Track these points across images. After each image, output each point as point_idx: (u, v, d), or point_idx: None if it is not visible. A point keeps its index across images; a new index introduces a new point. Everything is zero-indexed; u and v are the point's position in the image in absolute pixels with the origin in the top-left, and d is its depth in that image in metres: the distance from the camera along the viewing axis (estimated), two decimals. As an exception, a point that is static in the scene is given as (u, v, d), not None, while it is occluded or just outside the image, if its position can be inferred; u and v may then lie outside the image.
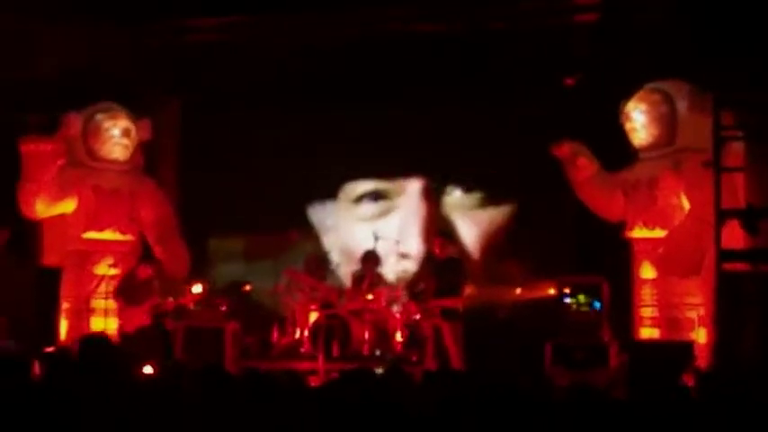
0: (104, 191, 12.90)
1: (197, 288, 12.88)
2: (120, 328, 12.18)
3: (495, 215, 14.41)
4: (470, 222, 14.47)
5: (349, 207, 14.84)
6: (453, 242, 12.10)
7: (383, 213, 14.69)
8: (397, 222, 14.51)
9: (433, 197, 14.60)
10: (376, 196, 14.78)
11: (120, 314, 12.26)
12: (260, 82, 13.72)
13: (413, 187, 14.64)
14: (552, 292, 12.33)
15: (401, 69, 13.40)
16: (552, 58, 12.98)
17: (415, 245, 14.27)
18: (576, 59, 12.97)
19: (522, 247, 13.92)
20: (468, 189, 14.49)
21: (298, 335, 12.82)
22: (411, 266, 13.84)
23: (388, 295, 12.96)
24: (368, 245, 13.39)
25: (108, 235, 12.87)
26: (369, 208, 14.78)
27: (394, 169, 14.53)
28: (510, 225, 14.25)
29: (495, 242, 14.33)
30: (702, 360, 10.58)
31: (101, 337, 6.55)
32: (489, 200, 14.42)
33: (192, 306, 12.62)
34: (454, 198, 14.62)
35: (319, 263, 13.97)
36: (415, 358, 12.21)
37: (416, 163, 14.31)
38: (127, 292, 12.28)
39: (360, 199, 14.82)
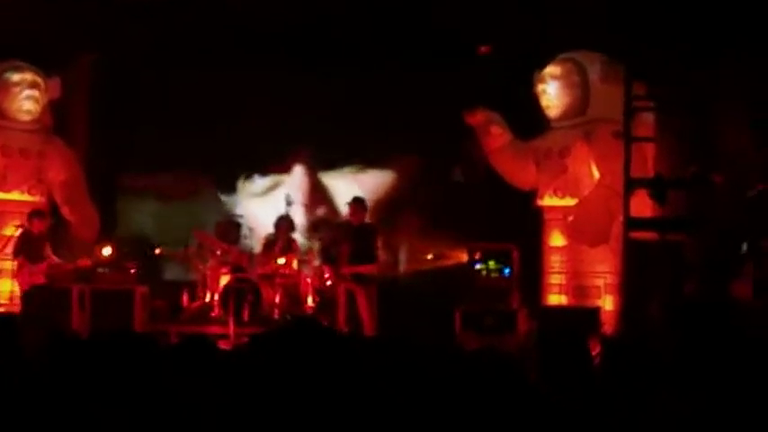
0: (12, 150, 12.65)
1: (106, 250, 12.72)
2: (20, 287, 11.99)
3: (403, 182, 14.45)
4: (378, 190, 14.44)
5: (244, 182, 14.81)
6: (366, 208, 12.09)
7: (272, 187, 14.68)
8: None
9: (316, 168, 14.66)
10: (264, 171, 14.76)
11: (18, 273, 12.04)
12: (171, 41, 13.52)
13: (305, 158, 14.65)
14: (463, 258, 12.43)
15: (310, 33, 13.30)
16: (467, 26, 12.99)
17: (300, 215, 14.25)
18: (490, 28, 13.00)
19: (435, 214, 14.00)
20: (375, 157, 14.47)
21: (208, 299, 12.76)
22: (300, 238, 13.85)
23: (299, 259, 12.96)
24: (265, 219, 13.38)
25: (15, 195, 12.63)
26: (260, 183, 14.77)
27: (283, 139, 14.42)
28: (423, 192, 14.33)
29: (407, 209, 14.39)
30: (608, 326, 10.76)
31: None
32: (402, 168, 14.44)
33: (99, 268, 12.44)
34: (359, 166, 14.60)
35: (230, 227, 13.88)
36: (326, 323, 12.20)
37: (323, 131, 14.19)
38: (26, 249, 12.05)
39: (251, 175, 14.77)
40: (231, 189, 14.86)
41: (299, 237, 13.63)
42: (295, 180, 14.72)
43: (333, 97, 13.77)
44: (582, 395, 5.03)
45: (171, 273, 14.16)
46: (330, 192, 14.67)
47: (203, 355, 5.11)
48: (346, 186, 14.26)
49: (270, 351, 4.87)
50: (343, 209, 13.31)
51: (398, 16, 12.93)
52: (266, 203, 14.34)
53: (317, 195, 14.63)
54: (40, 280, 11.96)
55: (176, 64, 13.69)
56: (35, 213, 12.29)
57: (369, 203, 12.65)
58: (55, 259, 12.24)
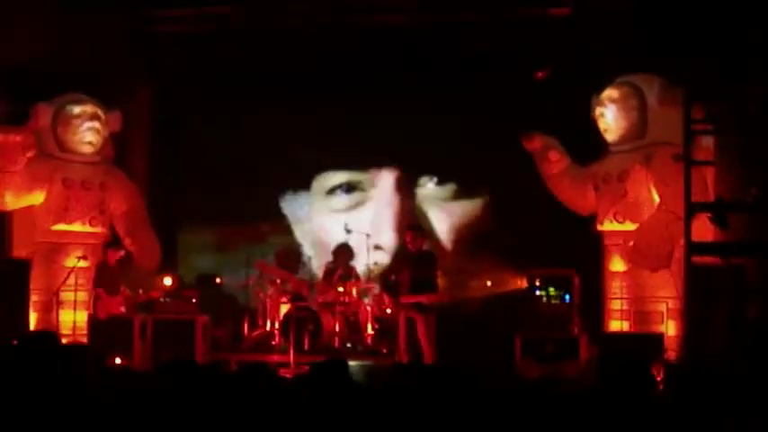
0: (74, 183, 12.78)
1: (167, 280, 12.84)
2: (92, 315, 12.11)
3: (467, 207, 14.50)
4: (444, 214, 14.56)
5: (321, 198, 14.85)
6: (425, 235, 12.10)
7: (356, 205, 14.72)
8: (370, 214, 14.55)
9: (406, 188, 14.66)
10: (349, 188, 14.80)
11: (97, 303, 12.19)
12: (231, 73, 13.69)
13: (386, 178, 14.68)
14: (523, 284, 12.36)
15: (373, 60, 13.42)
16: (524, 51, 13.00)
17: (388, 237, 14.33)
18: (547, 53, 12.99)
19: (493, 240, 13.99)
20: (441, 181, 14.59)
21: (268, 327, 12.81)
22: (384, 258, 13.85)
23: (359, 288, 12.97)
24: (340, 237, 13.45)
25: (77, 227, 12.76)
26: (341, 199, 14.80)
27: (367, 160, 14.57)
28: (482, 217, 14.36)
29: (468, 234, 14.43)
30: (672, 352, 10.64)
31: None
32: (462, 192, 14.51)
33: (162, 298, 12.55)
34: (427, 189, 14.69)
35: (290, 255, 13.97)
36: (385, 351, 12.22)
37: (389, 154, 14.36)
38: (106, 281, 12.23)
39: (332, 190, 14.83)
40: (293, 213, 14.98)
41: (361, 259, 13.67)
42: (383, 199, 14.78)
43: (392, 124, 13.90)
44: (646, 422, 4.98)
45: (231, 301, 14.23)
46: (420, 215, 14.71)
47: (264, 384, 5.14)
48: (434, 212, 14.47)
49: (330, 379, 4.89)
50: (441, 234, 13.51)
51: (458, 42, 13.03)
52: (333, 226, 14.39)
53: (404, 218, 14.61)
54: (118, 311, 12.15)
55: (237, 95, 13.85)
56: (110, 245, 12.51)
57: (452, 232, 12.77)
58: (126, 290, 12.43)
